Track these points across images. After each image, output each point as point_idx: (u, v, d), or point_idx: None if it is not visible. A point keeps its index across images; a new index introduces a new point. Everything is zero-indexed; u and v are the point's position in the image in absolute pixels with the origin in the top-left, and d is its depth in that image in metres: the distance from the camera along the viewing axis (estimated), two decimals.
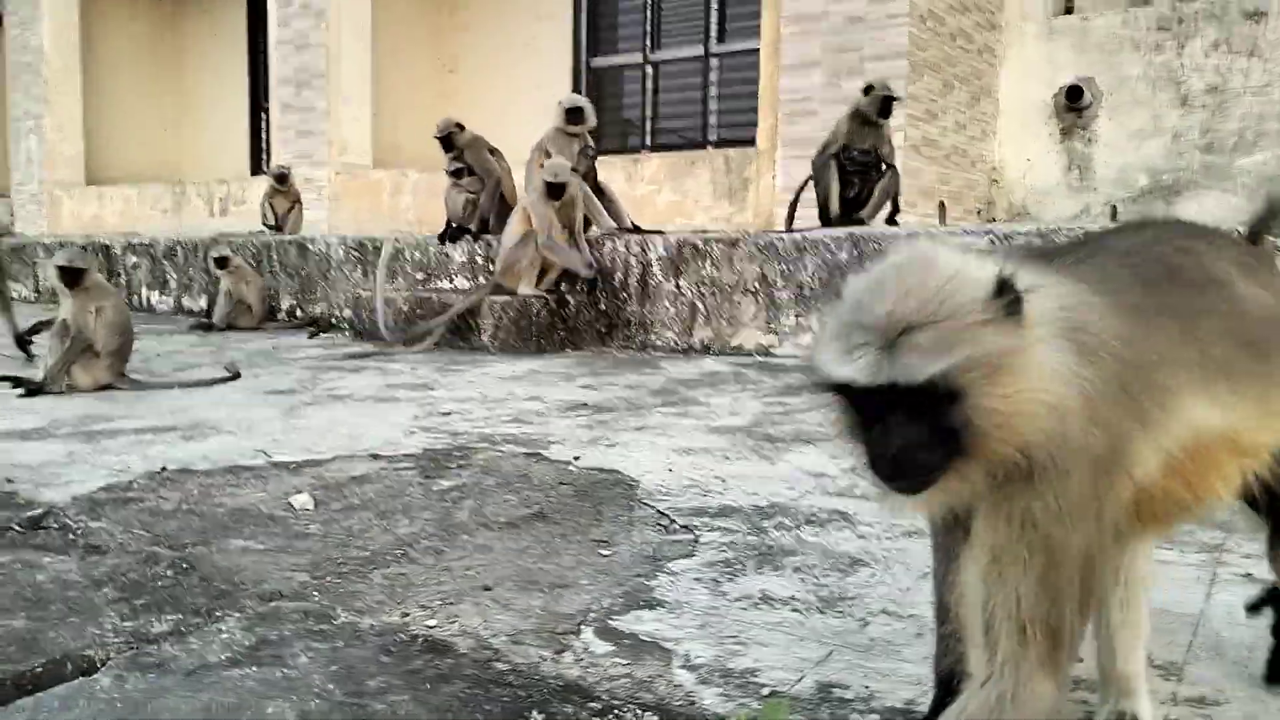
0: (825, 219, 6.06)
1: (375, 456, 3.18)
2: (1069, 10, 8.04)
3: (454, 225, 7.09)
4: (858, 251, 5.35)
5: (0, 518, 2.47)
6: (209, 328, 7.42)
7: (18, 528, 2.41)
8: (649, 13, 10.30)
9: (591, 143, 6.81)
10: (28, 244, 10.62)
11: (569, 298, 6.22)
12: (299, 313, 7.92)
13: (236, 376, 4.81)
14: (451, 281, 7.13)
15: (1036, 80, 7.89)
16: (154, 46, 14.31)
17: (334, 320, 7.56)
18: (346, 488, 2.80)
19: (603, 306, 6.31)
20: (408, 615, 1.87)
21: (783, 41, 7.13)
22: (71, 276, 4.41)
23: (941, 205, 6.85)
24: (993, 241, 4.70)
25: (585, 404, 4.18)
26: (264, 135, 13.42)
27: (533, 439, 3.46)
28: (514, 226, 6.14)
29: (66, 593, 1.98)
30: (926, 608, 1.57)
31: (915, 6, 6.69)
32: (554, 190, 5.94)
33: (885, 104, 5.87)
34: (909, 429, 1.04)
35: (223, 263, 7.50)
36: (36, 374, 4.53)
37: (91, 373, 4.41)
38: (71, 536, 2.36)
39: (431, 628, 1.81)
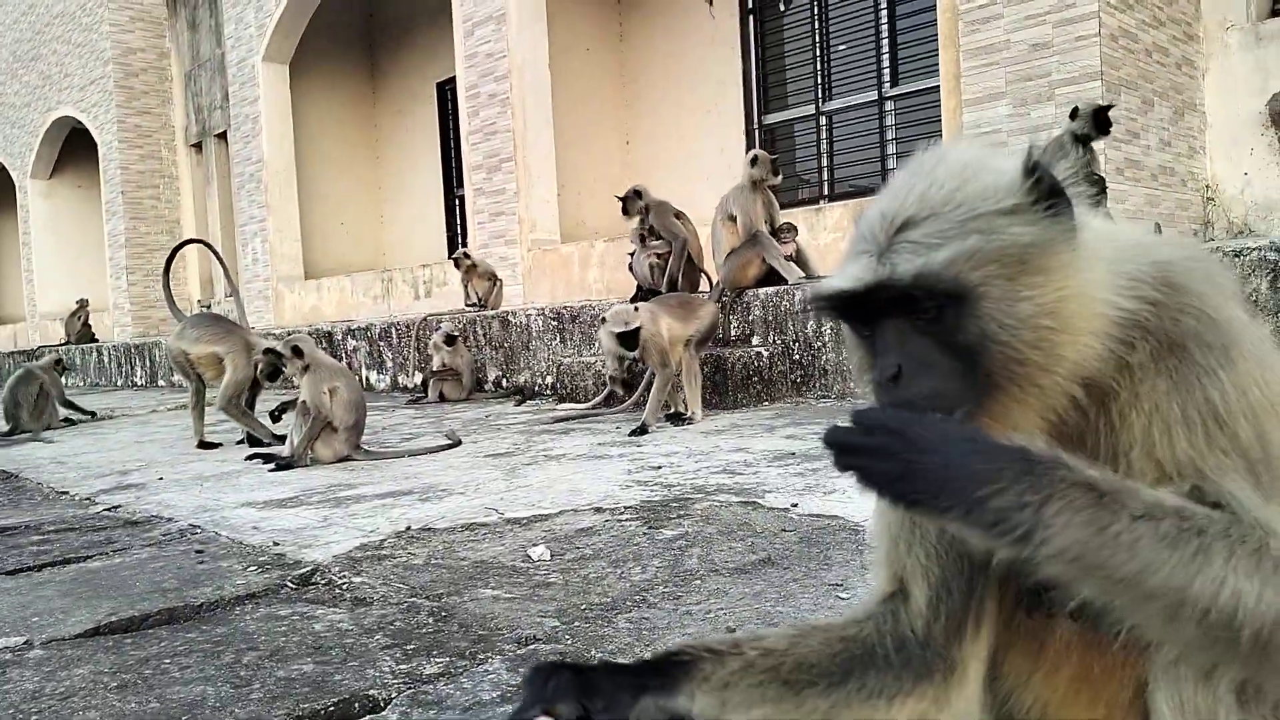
0: None
1: (598, 510, 3.29)
2: (1276, 12, 7.51)
3: (643, 289, 7.29)
4: None
5: (275, 576, 2.71)
6: (422, 401, 7.95)
7: (291, 584, 2.64)
8: (819, 65, 10.37)
9: (773, 196, 6.88)
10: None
11: (763, 350, 6.24)
12: (504, 383, 8.31)
13: (458, 444, 5.10)
14: None
15: (1245, 90, 7.37)
16: (356, 147, 15.60)
17: (536, 388, 7.89)
18: (576, 540, 2.90)
19: (796, 357, 6.29)
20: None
21: (963, 76, 7.00)
22: (274, 360, 4.94)
23: (1157, 227, 6.47)
24: (1221, 259, 4.40)
25: (793, 453, 4.17)
26: (459, 219, 14.29)
27: (746, 488, 3.48)
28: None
29: (343, 640, 2.14)
30: None
31: (1105, 25, 6.43)
32: (626, 341, 5.20)
33: (1101, 117, 5.63)
34: (912, 349, 0.85)
35: (451, 340, 8.03)
36: (282, 450, 4.96)
37: (331, 446, 4.78)
38: (338, 591, 2.55)
39: None
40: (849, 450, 0.81)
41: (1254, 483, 0.83)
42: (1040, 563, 0.77)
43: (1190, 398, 0.84)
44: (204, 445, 5.86)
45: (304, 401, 4.85)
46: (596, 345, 7.52)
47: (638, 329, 5.16)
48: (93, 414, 8.56)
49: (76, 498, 4.34)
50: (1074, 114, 5.68)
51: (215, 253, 7.96)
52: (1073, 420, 0.89)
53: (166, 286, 6.74)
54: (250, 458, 5.06)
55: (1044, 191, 0.85)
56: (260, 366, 5.72)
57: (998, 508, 0.76)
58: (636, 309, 5.33)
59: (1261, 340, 0.90)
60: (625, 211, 7.24)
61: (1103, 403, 0.88)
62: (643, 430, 5.12)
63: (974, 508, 0.76)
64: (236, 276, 16.15)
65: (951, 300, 0.83)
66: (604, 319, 5.28)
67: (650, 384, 5.55)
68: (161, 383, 13.56)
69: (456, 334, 8.15)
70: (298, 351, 4.83)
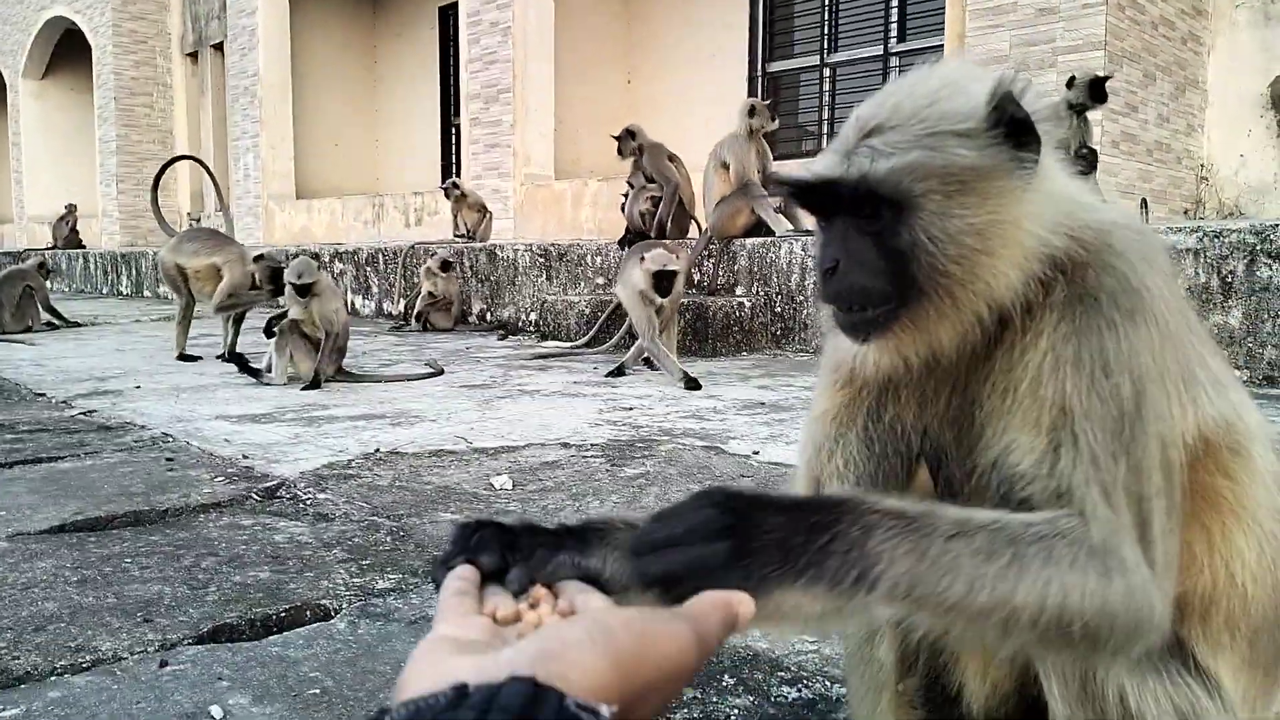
0: None
1: (565, 445, 3.34)
2: None
3: (633, 231, 7.28)
4: None
5: (241, 488, 2.76)
6: (404, 328, 7.98)
7: (256, 496, 2.69)
8: (827, 15, 10.24)
9: (767, 146, 6.85)
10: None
11: (745, 301, 6.27)
12: (488, 316, 8.33)
13: (440, 373, 5.14)
14: None
15: (1249, 70, 7.34)
16: (354, 68, 15.38)
17: (520, 324, 7.91)
18: (540, 472, 2.96)
19: (778, 309, 6.33)
20: None
21: (968, 36, 6.94)
22: (304, 289, 4.83)
23: (1143, 203, 6.49)
24: (1201, 239, 4.44)
25: (763, 403, 4.23)
26: (454, 148, 14.16)
27: (711, 434, 3.54)
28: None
29: (301, 552, 2.20)
30: None
31: None
32: (661, 282, 4.85)
33: (1097, 88, 5.60)
34: (852, 246, 0.90)
35: (446, 266, 8.03)
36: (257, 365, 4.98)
37: (311, 362, 4.81)
38: (302, 505, 2.61)
39: None
40: (665, 545, 0.75)
41: (1115, 433, 0.86)
42: (876, 605, 0.79)
43: (1086, 342, 0.88)
44: (184, 358, 5.88)
45: (294, 321, 4.85)
46: (582, 285, 7.54)
47: (674, 272, 4.86)
48: (75, 324, 8.54)
49: (53, 400, 4.37)
50: (1070, 83, 5.65)
51: (207, 169, 7.90)
52: (978, 346, 0.94)
53: (155, 201, 6.72)
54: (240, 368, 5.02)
55: (1004, 121, 0.89)
56: (257, 275, 5.72)
57: (833, 556, 0.77)
58: (671, 253, 4.99)
59: (1176, 317, 0.93)
60: (620, 152, 7.22)
61: (1005, 335, 0.92)
62: (619, 372, 5.15)
63: (819, 564, 0.77)
64: (228, 192, 16.01)
65: (889, 206, 0.88)
66: (642, 257, 4.95)
67: (632, 329, 5.54)
68: (146, 293, 13.52)
69: (452, 260, 8.13)
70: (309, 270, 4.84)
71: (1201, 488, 0.95)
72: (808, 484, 1.06)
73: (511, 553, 0.79)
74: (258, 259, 5.76)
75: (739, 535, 0.76)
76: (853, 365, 0.99)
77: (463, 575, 0.76)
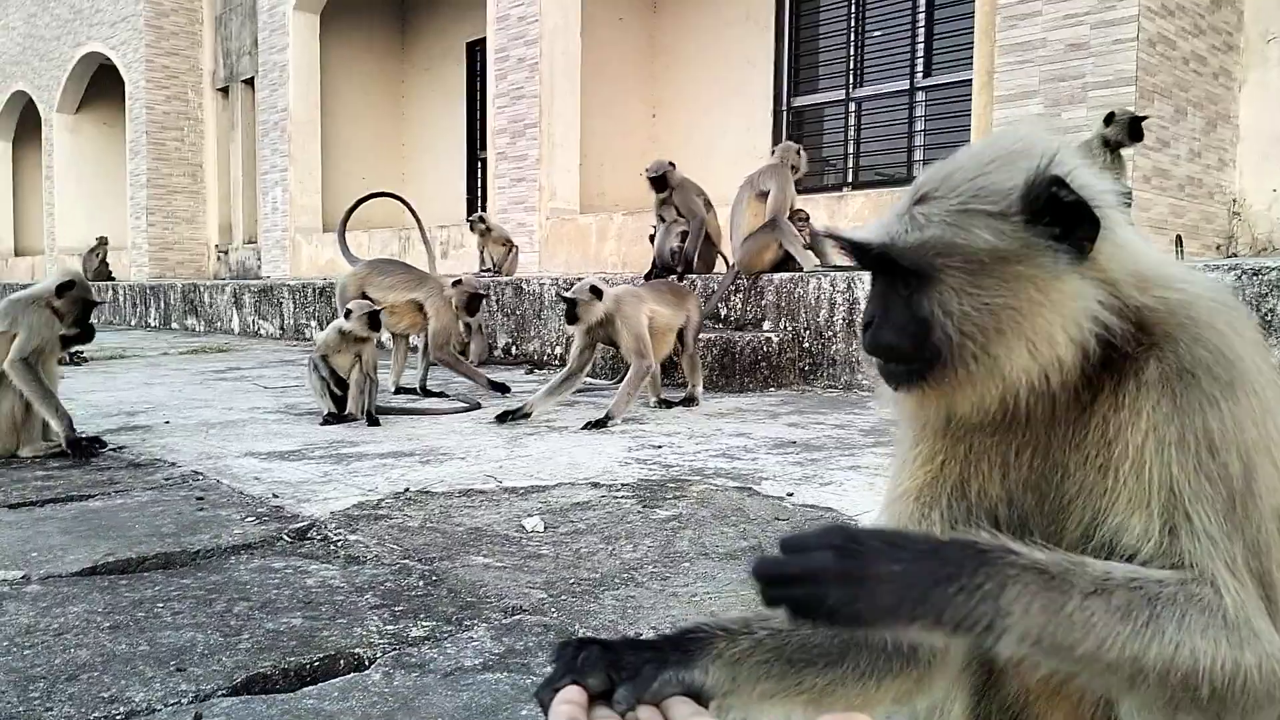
0: None
1: (595, 485, 3.31)
2: None
3: (659, 265, 7.27)
4: None
5: (272, 529, 2.74)
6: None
7: (287, 538, 2.67)
8: (852, 50, 10.27)
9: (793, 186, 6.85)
10: (274, 285, 11.71)
11: (773, 336, 6.24)
12: (513, 350, 8.33)
13: (477, 407, 5.13)
14: None
15: None
16: (382, 102, 15.56)
17: (545, 358, 7.90)
18: (571, 513, 2.92)
19: (806, 344, 6.29)
20: (640, 635, 1.93)
21: (997, 72, 6.93)
22: (376, 321, 4.78)
23: (1178, 239, 6.42)
24: (1240, 276, 4.37)
25: (794, 441, 4.18)
26: (480, 182, 14.27)
27: (743, 474, 3.50)
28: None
29: (334, 597, 2.17)
30: None
31: (1144, 31, 6.35)
32: (471, 303, 5.34)
33: (1136, 126, 5.59)
34: (887, 302, 0.95)
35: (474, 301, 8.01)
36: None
37: (353, 402, 4.80)
38: (333, 547, 2.59)
39: None
40: (786, 581, 0.79)
41: (1228, 513, 0.86)
42: (1003, 648, 0.80)
43: (1189, 422, 0.87)
44: (401, 390, 5.90)
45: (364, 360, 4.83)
46: None
47: (574, 301, 4.73)
48: (84, 359, 8.08)
49: (83, 436, 4.38)
50: (1109, 119, 5.62)
51: (407, 205, 7.23)
52: (1059, 409, 0.94)
53: (342, 234, 6.56)
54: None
55: (1043, 207, 0.89)
56: (455, 301, 5.69)
57: (960, 605, 0.78)
58: (602, 290, 4.80)
59: (1272, 384, 0.92)
60: (658, 186, 7.05)
61: (1097, 403, 0.92)
62: (601, 424, 4.55)
63: (940, 611, 0.78)
64: (255, 225, 16.20)
65: (913, 276, 0.92)
66: (458, 280, 5.22)
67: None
68: (174, 325, 13.65)
69: (484, 293, 8.09)
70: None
71: None
72: None
73: (616, 671, 0.80)
74: (455, 284, 5.69)
75: (860, 578, 0.78)
76: (933, 445, 1.02)
77: (570, 698, 0.78)
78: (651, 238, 7.44)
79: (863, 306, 5.96)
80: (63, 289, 3.83)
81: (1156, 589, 0.82)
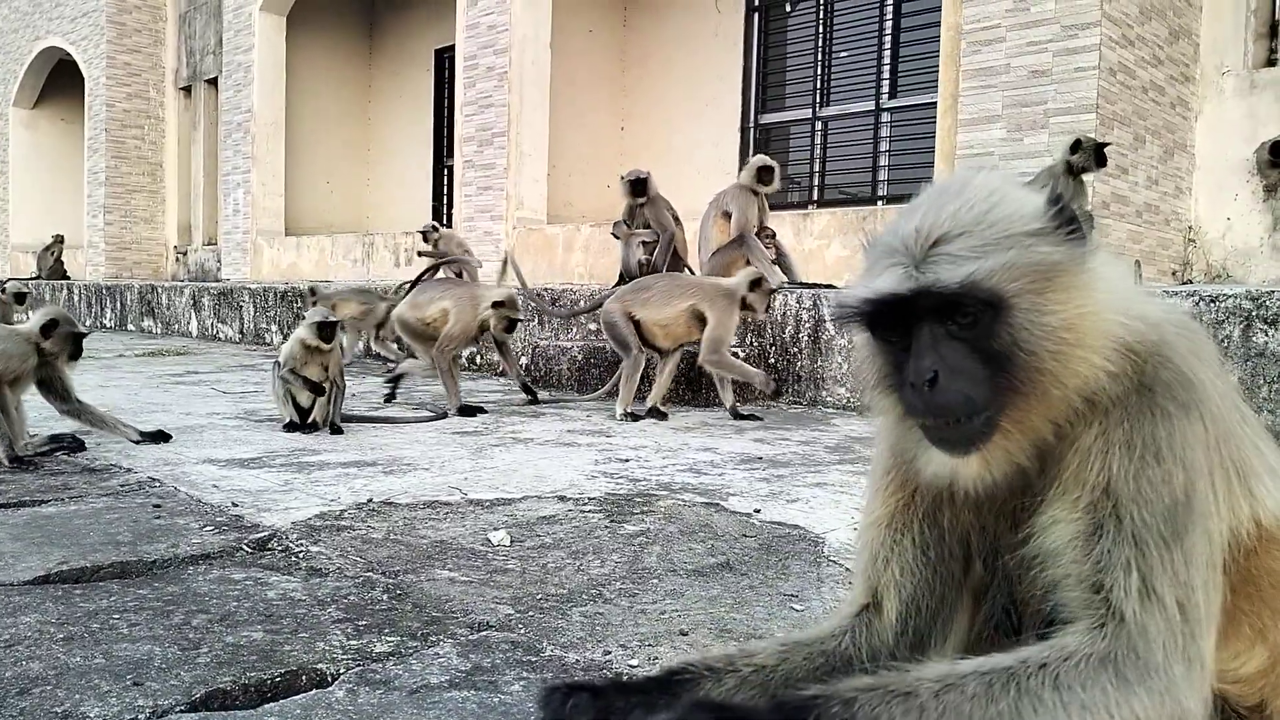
0: None
1: (562, 498, 3.29)
2: (1271, 62, 7.59)
3: (626, 277, 7.27)
4: None
5: (231, 538, 2.69)
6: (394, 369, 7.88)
7: (247, 548, 2.62)
8: (819, 70, 10.38)
9: (765, 201, 6.88)
10: (234, 288, 11.54)
11: (739, 352, 6.25)
12: (478, 359, 8.27)
13: (443, 416, 5.08)
14: None
15: (1236, 135, 7.46)
16: (348, 107, 15.43)
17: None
18: (537, 527, 2.90)
19: (772, 360, 6.31)
20: (609, 654, 1.92)
21: (962, 96, 7.03)
22: (330, 332, 4.66)
23: (1137, 264, 6.55)
24: (1198, 303, 4.46)
25: (760, 457, 4.19)
26: (446, 190, 14.19)
27: (710, 489, 3.50)
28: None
29: (296, 610, 2.13)
30: None
31: (1105, 59, 6.48)
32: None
33: (1100, 153, 5.72)
34: (947, 354, 0.90)
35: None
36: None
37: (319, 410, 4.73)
38: (294, 559, 2.54)
39: (634, 666, 1.85)
40: None
41: (1165, 519, 0.86)
42: None
43: (1139, 429, 0.89)
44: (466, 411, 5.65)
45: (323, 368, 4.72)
46: (574, 330, 7.51)
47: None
48: None
49: (35, 439, 4.27)
50: (1075, 146, 5.73)
51: (516, 270, 6.92)
52: (1059, 436, 0.94)
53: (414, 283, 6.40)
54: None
55: (1065, 219, 0.93)
56: (492, 320, 5.57)
57: None
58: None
59: (1229, 409, 0.94)
60: (634, 193, 7.09)
61: (1067, 427, 0.94)
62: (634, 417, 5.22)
63: None
64: (216, 226, 15.96)
65: (988, 308, 0.89)
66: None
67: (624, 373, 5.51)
68: (130, 327, 13.40)
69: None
70: None
71: (1264, 573, 0.95)
72: (865, 592, 1.08)
73: (606, 717, 0.82)
74: (495, 305, 5.60)
75: None
76: (905, 472, 1.01)
77: None
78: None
79: (831, 324, 6.02)
80: (47, 329, 3.91)
81: (1017, 664, 0.83)
